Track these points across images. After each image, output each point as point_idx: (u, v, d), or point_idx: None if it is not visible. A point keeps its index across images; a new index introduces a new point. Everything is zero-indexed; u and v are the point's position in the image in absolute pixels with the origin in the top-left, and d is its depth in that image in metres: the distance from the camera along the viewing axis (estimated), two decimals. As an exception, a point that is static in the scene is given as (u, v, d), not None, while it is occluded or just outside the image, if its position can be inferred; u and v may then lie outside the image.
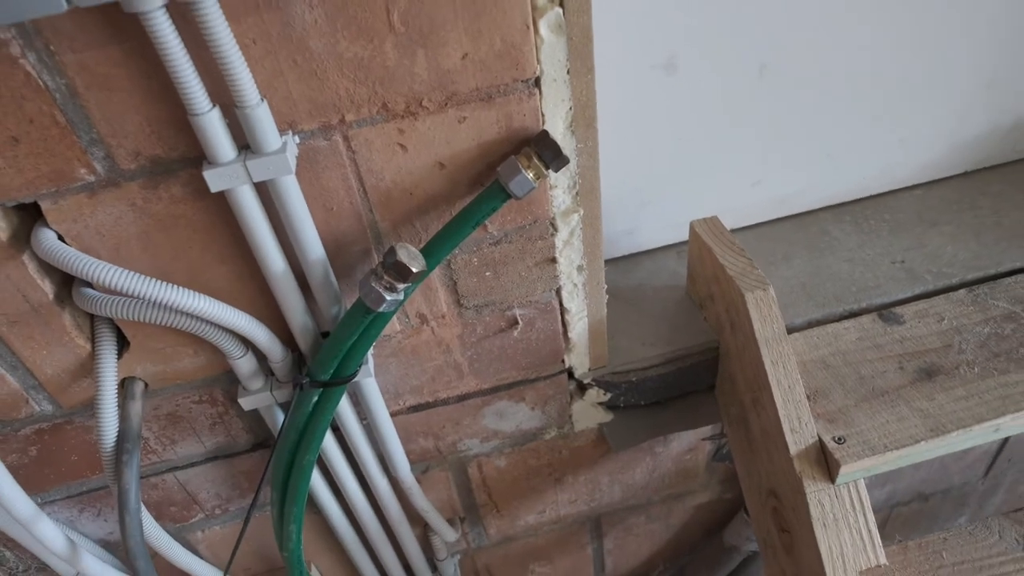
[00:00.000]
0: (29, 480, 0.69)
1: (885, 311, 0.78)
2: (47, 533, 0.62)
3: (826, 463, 0.65)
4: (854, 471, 0.63)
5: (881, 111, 0.84)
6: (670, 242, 0.91)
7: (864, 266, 0.85)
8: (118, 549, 0.79)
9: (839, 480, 0.64)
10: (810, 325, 0.78)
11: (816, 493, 0.64)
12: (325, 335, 0.61)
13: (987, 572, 0.71)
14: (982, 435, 0.65)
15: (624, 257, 0.91)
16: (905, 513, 1.27)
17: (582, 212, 0.61)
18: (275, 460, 0.64)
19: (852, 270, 0.84)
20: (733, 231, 0.85)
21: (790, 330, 0.77)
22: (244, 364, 0.60)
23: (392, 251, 0.51)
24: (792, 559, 0.70)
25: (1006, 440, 1.18)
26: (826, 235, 0.90)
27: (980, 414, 0.65)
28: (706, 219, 0.78)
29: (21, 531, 0.66)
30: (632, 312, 0.83)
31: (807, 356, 0.74)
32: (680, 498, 1.03)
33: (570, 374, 0.77)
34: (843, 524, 0.64)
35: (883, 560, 0.64)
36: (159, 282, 0.51)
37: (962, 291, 0.79)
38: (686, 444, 0.94)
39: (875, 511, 0.66)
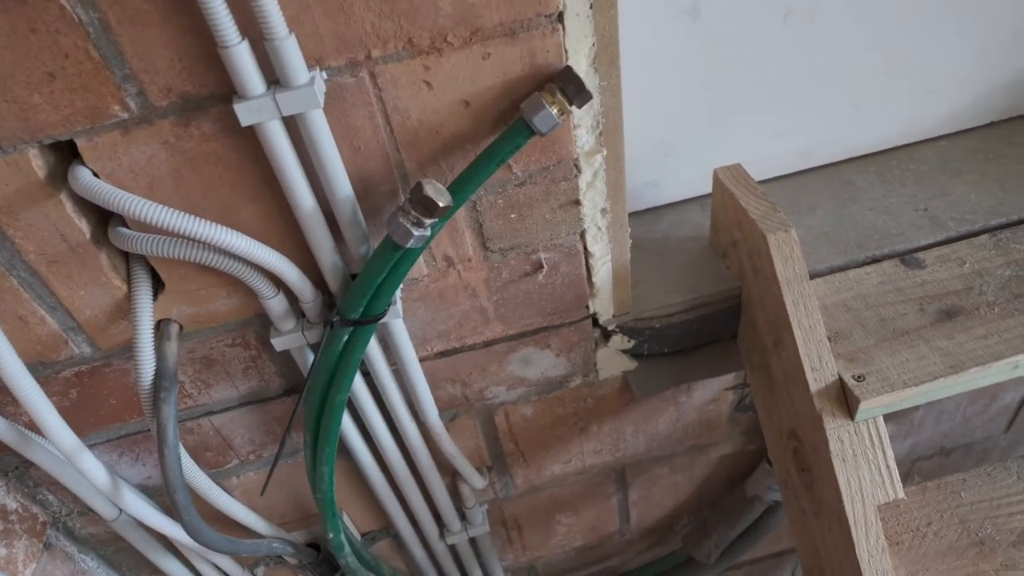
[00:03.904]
0: (70, 423, 0.71)
1: (907, 256, 0.78)
2: (90, 466, 0.64)
3: (846, 400, 0.65)
4: (873, 407, 0.64)
5: (906, 60, 0.83)
6: (693, 195, 0.91)
7: (887, 214, 0.84)
8: (155, 494, 0.81)
9: (858, 416, 0.64)
10: (832, 271, 0.78)
11: (836, 429, 0.65)
12: (354, 278, 0.63)
13: (1004, 510, 0.72)
14: (1001, 372, 0.65)
15: (647, 210, 0.91)
16: (927, 467, 1.27)
17: (605, 153, 0.62)
18: (307, 400, 0.66)
19: (875, 218, 0.84)
20: (757, 183, 0.85)
21: (813, 276, 0.77)
22: (276, 304, 0.62)
23: (419, 186, 0.52)
24: (812, 496, 0.71)
25: (1028, 395, 1.18)
26: (850, 185, 0.89)
27: (999, 351, 0.65)
28: (729, 166, 0.78)
29: (65, 469, 0.68)
30: (655, 262, 0.83)
31: (828, 300, 0.74)
32: (703, 449, 1.04)
33: (594, 321, 0.78)
34: (862, 459, 0.65)
35: (901, 495, 0.65)
36: (193, 217, 0.52)
37: (984, 236, 0.78)
38: (709, 394, 0.95)
39: (896, 465, 0.67)
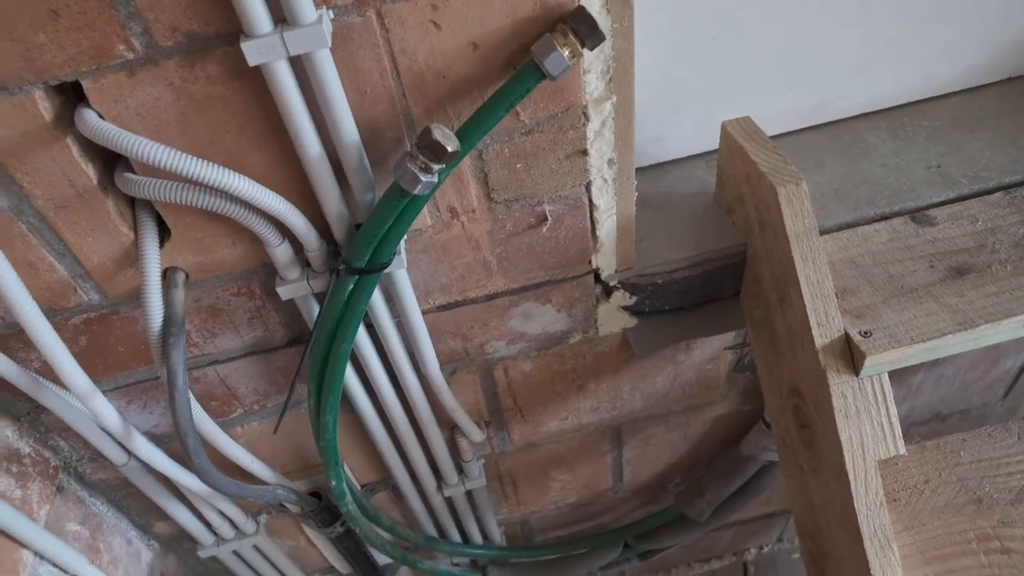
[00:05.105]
0: (79, 370, 0.72)
1: (918, 213, 0.77)
2: (103, 408, 0.65)
3: (851, 356, 0.65)
4: (879, 363, 0.64)
5: (924, 12, 0.81)
6: (699, 151, 0.90)
7: (898, 171, 0.83)
8: (163, 441, 0.83)
9: (863, 373, 0.65)
10: (841, 228, 0.78)
11: (840, 385, 0.65)
12: (359, 227, 0.62)
13: (1004, 469, 0.73)
14: (1011, 330, 0.65)
15: (652, 166, 0.90)
16: (923, 432, 1.28)
17: (615, 100, 0.61)
18: (312, 348, 0.67)
19: (886, 175, 0.83)
20: (766, 137, 0.84)
21: (821, 232, 0.76)
22: (281, 252, 0.62)
23: (427, 131, 0.51)
24: (811, 453, 0.72)
25: (1029, 360, 1.18)
26: (860, 142, 0.88)
27: (1010, 309, 0.65)
28: (738, 119, 0.76)
29: (76, 415, 0.69)
30: (659, 218, 0.83)
31: (836, 256, 0.74)
32: (699, 409, 1.05)
33: (596, 276, 0.77)
34: (865, 416, 0.65)
35: (902, 451, 0.66)
36: (200, 160, 0.52)
37: (998, 194, 0.78)
38: (708, 353, 0.95)
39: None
